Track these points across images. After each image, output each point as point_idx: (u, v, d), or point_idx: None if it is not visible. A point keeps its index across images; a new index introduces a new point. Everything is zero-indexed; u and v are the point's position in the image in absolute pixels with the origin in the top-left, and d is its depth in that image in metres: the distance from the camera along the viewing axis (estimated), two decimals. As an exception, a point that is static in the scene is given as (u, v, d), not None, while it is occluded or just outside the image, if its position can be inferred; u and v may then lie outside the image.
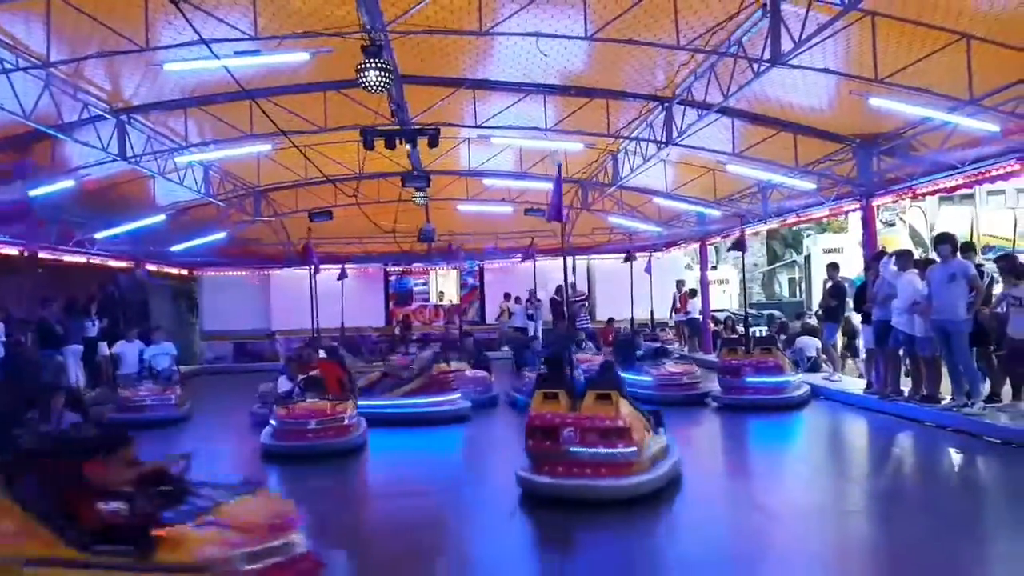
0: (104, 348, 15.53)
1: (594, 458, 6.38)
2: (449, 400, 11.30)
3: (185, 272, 22.01)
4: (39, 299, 13.65)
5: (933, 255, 11.31)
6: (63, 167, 12.61)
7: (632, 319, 16.21)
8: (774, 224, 17.40)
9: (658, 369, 12.62)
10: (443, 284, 24.45)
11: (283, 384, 10.14)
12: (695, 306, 20.20)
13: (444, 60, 11.24)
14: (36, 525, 3.87)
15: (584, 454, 6.40)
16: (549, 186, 18.51)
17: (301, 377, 9.91)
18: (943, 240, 9.16)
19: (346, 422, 9.13)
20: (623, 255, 16.87)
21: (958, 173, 11.19)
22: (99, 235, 15.76)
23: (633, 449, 6.36)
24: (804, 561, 5.15)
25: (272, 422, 9.10)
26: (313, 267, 12.95)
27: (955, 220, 22.48)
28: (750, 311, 24.65)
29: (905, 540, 5.44)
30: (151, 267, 19.28)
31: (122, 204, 15.48)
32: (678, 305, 20.18)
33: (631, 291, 15.68)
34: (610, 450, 6.35)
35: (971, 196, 23.25)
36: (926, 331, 9.25)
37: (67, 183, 12.58)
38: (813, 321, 15.52)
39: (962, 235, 14.94)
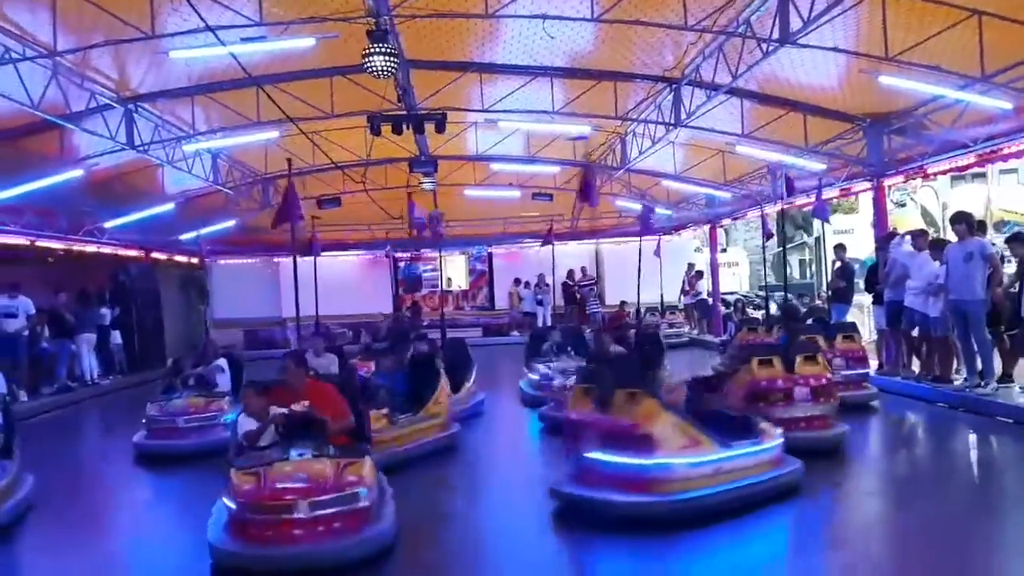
0: (116, 336, 15.66)
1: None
2: None
3: (195, 260, 22.08)
4: (51, 288, 13.75)
5: (944, 235, 11.25)
6: (72, 157, 12.64)
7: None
8: (786, 205, 17.25)
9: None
10: (451, 270, 24.42)
11: (244, 423, 5.83)
12: (704, 288, 20.16)
13: (450, 44, 11.19)
14: None
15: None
16: (556, 170, 18.56)
17: (279, 412, 5.65)
18: (959, 219, 9.05)
19: (361, 504, 4.91)
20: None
21: (970, 151, 11.07)
22: (109, 224, 15.82)
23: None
24: (825, 542, 5.16)
25: (227, 502, 4.97)
26: (315, 257, 12.21)
27: (968, 199, 22.32)
28: (759, 293, 24.62)
29: (919, 520, 5.43)
30: (159, 255, 19.33)
31: (131, 193, 15.52)
32: (687, 288, 20.15)
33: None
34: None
35: (984, 175, 23.07)
36: (941, 311, 9.19)
37: (76, 172, 12.61)
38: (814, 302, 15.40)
39: (976, 214, 14.78)
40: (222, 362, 9.46)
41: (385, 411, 7.46)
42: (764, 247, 14.71)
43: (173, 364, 9.90)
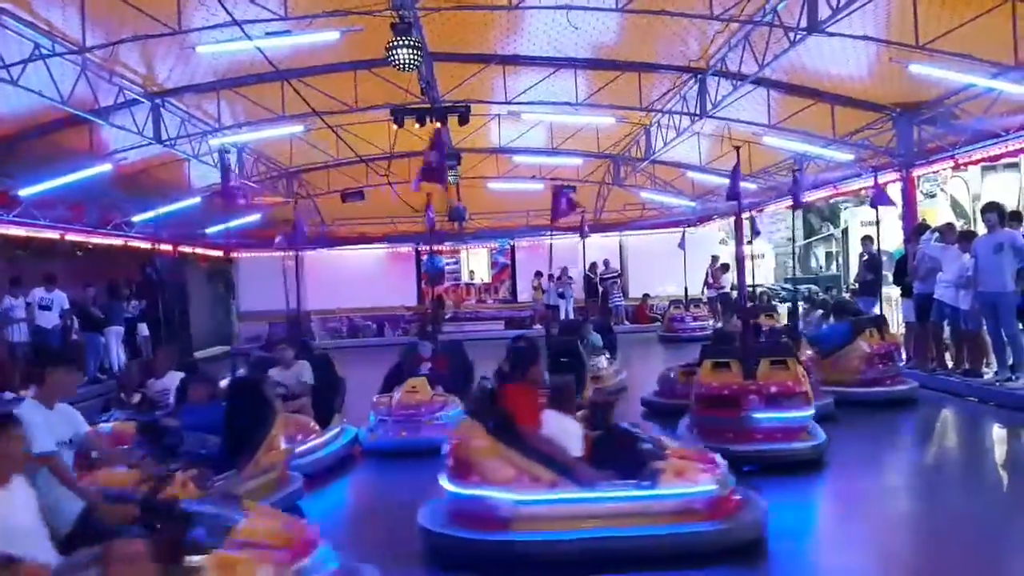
0: (144, 329, 15.86)
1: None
2: None
3: (220, 254, 22.28)
4: (80, 282, 13.95)
5: (975, 227, 11.07)
6: (101, 152, 12.80)
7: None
8: (813, 197, 17.07)
9: None
10: (474, 263, 24.44)
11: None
12: (728, 281, 20.00)
13: (474, 36, 11.18)
14: None
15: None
16: (579, 162, 18.49)
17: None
18: (990, 209, 8.89)
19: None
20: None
21: (1002, 141, 10.89)
22: (136, 218, 16.01)
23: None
24: (852, 541, 5.10)
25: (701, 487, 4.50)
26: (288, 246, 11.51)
27: (1000, 189, 21.89)
28: (785, 286, 24.39)
29: (950, 515, 5.37)
30: (186, 249, 19.51)
31: (158, 187, 15.69)
32: (710, 280, 19.99)
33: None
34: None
35: (1016, 164, 22.60)
36: (972, 304, 9.04)
37: (105, 167, 12.76)
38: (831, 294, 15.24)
39: (1009, 204, 14.48)
40: (177, 378, 6.91)
41: (192, 472, 4.79)
42: (751, 243, 14.59)
43: (120, 378, 7.81)
